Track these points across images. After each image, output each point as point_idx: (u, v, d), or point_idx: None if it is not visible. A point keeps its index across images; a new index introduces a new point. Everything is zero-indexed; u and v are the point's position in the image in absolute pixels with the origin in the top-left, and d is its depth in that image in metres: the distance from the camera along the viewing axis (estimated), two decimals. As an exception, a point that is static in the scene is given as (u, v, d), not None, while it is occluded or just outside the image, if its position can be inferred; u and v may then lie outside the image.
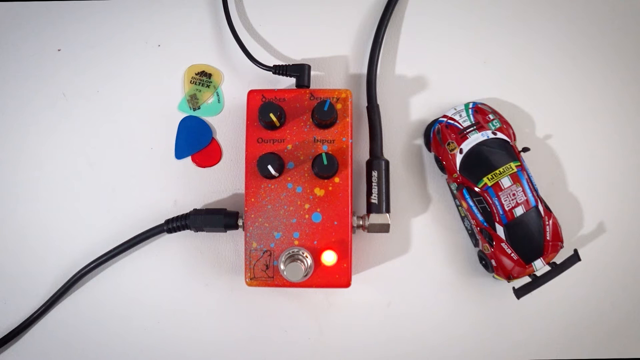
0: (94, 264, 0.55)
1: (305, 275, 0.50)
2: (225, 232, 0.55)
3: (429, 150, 0.56)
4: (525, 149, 0.53)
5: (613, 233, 0.56)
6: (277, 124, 0.51)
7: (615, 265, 0.56)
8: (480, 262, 0.55)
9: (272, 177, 0.51)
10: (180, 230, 0.54)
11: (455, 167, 0.52)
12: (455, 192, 0.54)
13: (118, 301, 0.56)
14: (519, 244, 0.51)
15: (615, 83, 0.58)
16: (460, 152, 0.52)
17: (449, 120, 0.54)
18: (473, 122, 0.53)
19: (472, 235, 0.55)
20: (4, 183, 0.57)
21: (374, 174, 0.52)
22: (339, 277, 0.51)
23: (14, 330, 0.55)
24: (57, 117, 0.58)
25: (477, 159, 0.52)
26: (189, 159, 0.57)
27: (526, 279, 0.52)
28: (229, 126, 0.57)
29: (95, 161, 0.57)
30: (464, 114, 0.54)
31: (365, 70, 0.57)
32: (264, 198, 0.51)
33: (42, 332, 0.56)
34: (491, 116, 0.54)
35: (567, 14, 0.58)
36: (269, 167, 0.49)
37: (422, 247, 0.56)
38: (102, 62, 0.58)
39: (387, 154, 0.55)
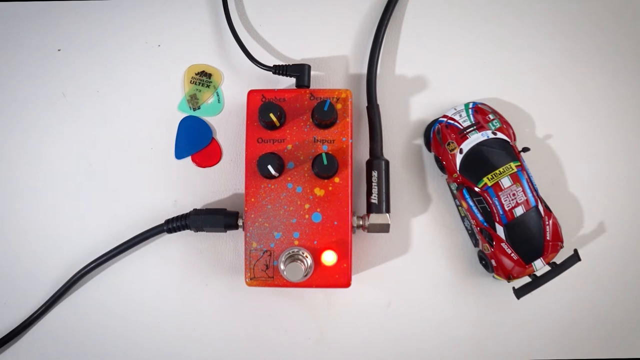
0: (94, 264, 0.55)
1: (305, 275, 0.50)
2: (225, 232, 0.55)
3: (429, 150, 0.56)
4: (525, 149, 0.53)
5: (613, 233, 0.56)
6: (277, 124, 0.51)
7: (615, 265, 0.56)
8: (480, 262, 0.55)
9: (272, 177, 0.51)
10: (180, 230, 0.54)
11: (455, 167, 0.52)
12: (455, 192, 0.54)
13: (118, 301, 0.56)
14: (519, 244, 0.51)
15: (615, 83, 0.58)
16: (460, 152, 0.52)
17: (449, 120, 0.54)
18: (473, 122, 0.53)
19: (472, 235, 0.55)
20: (4, 183, 0.57)
21: (374, 174, 0.52)
22: (339, 277, 0.51)
23: (14, 330, 0.55)
24: (57, 117, 0.58)
25: (477, 159, 0.52)
26: (189, 159, 0.57)
27: (526, 279, 0.52)
28: (229, 126, 0.57)
29: (95, 161, 0.57)
30: (464, 114, 0.54)
31: (365, 70, 0.57)
32: (264, 198, 0.51)
33: (42, 332, 0.56)
34: (491, 116, 0.54)
35: (567, 13, 0.58)
36: (269, 167, 0.49)
37: (422, 247, 0.56)
38: (102, 62, 0.58)
39: (387, 154, 0.55)
